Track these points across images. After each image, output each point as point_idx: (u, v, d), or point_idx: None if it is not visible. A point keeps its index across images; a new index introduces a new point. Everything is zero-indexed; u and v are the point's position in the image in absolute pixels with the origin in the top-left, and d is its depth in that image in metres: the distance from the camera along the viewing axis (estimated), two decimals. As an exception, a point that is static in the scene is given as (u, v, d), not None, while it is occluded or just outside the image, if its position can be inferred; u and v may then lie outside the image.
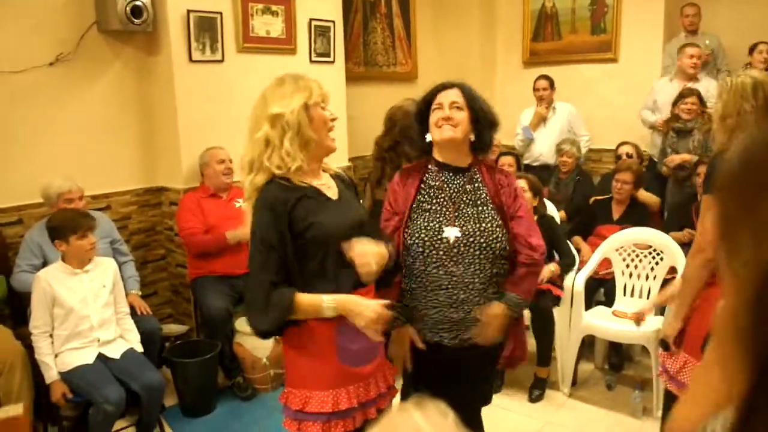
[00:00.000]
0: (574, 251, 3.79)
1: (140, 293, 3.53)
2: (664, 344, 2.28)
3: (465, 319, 2.06)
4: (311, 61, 4.52)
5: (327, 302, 1.77)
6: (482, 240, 2.04)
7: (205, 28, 3.90)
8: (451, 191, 2.11)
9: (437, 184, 2.12)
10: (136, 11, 3.61)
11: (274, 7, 4.25)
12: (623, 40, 5.55)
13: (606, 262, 3.80)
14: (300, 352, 1.87)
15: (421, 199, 2.12)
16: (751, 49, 4.77)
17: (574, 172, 4.80)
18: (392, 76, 5.76)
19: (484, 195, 2.11)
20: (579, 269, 3.69)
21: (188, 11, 3.79)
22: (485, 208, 2.09)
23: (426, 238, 2.05)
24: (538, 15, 6.04)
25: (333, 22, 4.65)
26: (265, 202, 1.79)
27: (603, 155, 5.54)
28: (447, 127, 2.05)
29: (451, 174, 2.13)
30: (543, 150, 5.23)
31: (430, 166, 2.16)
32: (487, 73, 6.25)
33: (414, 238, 2.06)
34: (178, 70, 3.82)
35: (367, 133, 5.06)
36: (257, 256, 1.79)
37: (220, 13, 3.95)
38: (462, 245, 2.03)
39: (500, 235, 2.06)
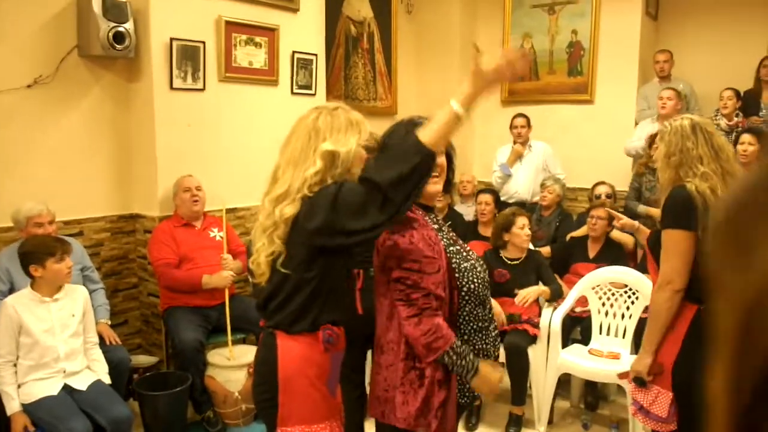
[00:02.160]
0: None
1: (110, 322, 3.44)
2: (638, 381, 2.28)
3: (497, 357, 2.07)
4: (293, 93, 4.54)
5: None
6: (486, 270, 2.06)
7: (188, 56, 3.89)
8: (449, 230, 2.08)
9: (437, 226, 1.98)
10: (119, 37, 3.59)
11: (257, 39, 4.28)
12: (599, 82, 5.69)
13: (582, 300, 3.82)
14: (296, 381, 1.81)
15: (443, 243, 1.95)
16: (720, 95, 4.92)
17: (557, 211, 4.85)
18: (372, 111, 5.79)
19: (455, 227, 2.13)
20: (555, 307, 3.69)
21: (171, 39, 3.79)
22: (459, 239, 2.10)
23: (476, 279, 1.95)
24: (516, 56, 6.16)
25: (315, 55, 4.68)
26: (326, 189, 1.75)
27: (578, 194, 5.62)
28: (436, 180, 1.91)
29: (432, 214, 2.01)
30: (519, 187, 5.29)
31: (418, 211, 1.94)
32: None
33: (465, 281, 1.93)
34: (159, 97, 3.80)
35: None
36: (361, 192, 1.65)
37: (204, 42, 3.95)
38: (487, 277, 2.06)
39: None
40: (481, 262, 2.06)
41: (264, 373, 1.85)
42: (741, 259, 0.34)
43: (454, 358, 1.80)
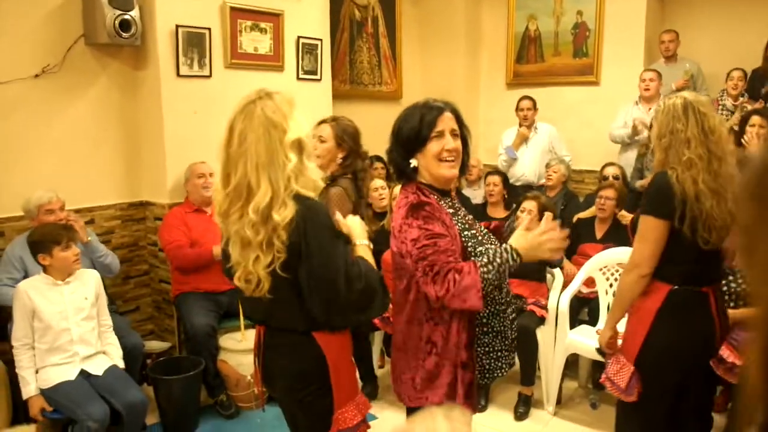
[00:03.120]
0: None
1: (91, 239, 3.41)
2: (600, 352, 2.51)
3: (515, 339, 2.06)
4: (298, 78, 4.54)
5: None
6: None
7: (194, 43, 3.90)
8: (465, 213, 2.06)
9: (453, 210, 1.98)
10: (125, 25, 3.60)
11: (262, 24, 4.28)
12: (605, 63, 5.66)
13: (589, 281, 3.84)
14: (342, 366, 1.90)
15: (458, 226, 1.95)
16: (728, 75, 4.90)
17: (562, 191, 4.86)
18: (377, 95, 5.80)
19: (466, 210, 2.11)
20: (563, 288, 3.71)
21: (177, 26, 3.79)
22: (477, 222, 2.09)
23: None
24: (521, 38, 6.14)
25: (320, 40, 4.68)
26: (319, 206, 1.80)
27: (585, 176, 5.61)
28: (452, 164, 1.93)
29: (448, 198, 2.01)
30: (525, 170, 5.29)
31: (433, 196, 1.95)
32: (471, 93, 6.33)
33: None
34: (166, 84, 3.81)
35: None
36: (341, 248, 1.79)
37: (209, 29, 3.96)
38: None
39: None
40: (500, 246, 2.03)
41: (310, 371, 1.86)
42: None
43: (491, 273, 1.78)
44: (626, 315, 2.37)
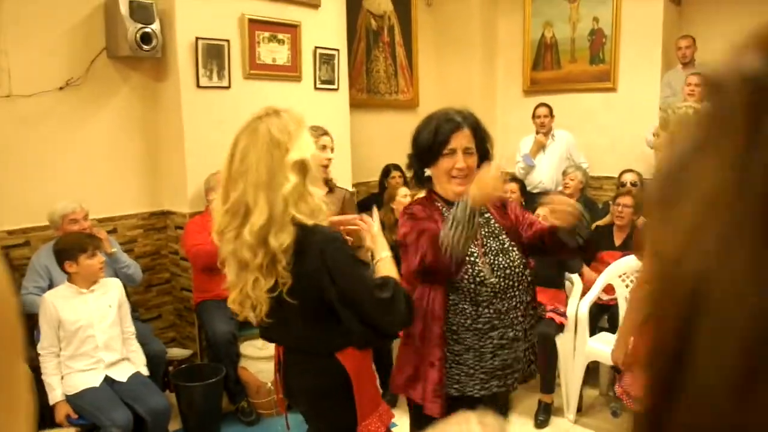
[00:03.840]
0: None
1: (115, 250, 3.48)
2: (615, 368, 2.46)
3: (516, 360, 2.01)
4: (316, 88, 4.59)
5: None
6: (517, 271, 1.98)
7: (213, 55, 3.96)
8: None
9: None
10: (146, 38, 3.67)
11: (280, 35, 4.33)
12: (621, 70, 5.65)
13: (608, 288, 3.82)
14: (364, 380, 1.89)
15: None
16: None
17: (581, 199, 4.84)
18: (394, 104, 5.84)
19: (495, 224, 2.05)
20: (583, 295, 3.70)
21: (197, 38, 3.86)
22: (503, 236, 2.04)
23: (472, 281, 1.95)
24: (538, 44, 6.15)
25: (337, 50, 4.72)
26: (333, 236, 1.75)
27: (603, 183, 5.60)
28: (460, 181, 1.95)
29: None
30: (543, 177, 5.28)
31: (438, 204, 2.04)
32: (488, 101, 6.34)
33: (462, 282, 1.95)
34: (186, 95, 3.87)
35: (369, 159, 5.12)
36: (365, 275, 1.78)
37: (228, 41, 4.02)
38: (502, 281, 1.96)
39: (523, 261, 2.02)
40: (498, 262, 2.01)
41: (333, 387, 1.85)
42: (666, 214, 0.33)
43: (447, 237, 1.79)
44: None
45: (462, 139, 1.94)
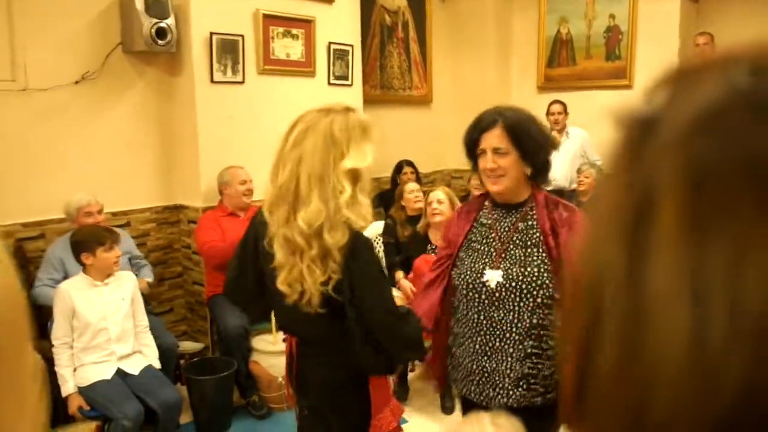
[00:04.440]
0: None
1: (150, 280, 3.58)
2: None
3: (496, 371, 1.90)
4: (329, 84, 4.59)
5: None
6: (524, 286, 1.86)
7: (227, 50, 3.97)
8: (501, 230, 1.96)
9: (489, 222, 1.99)
10: (161, 33, 3.68)
11: (294, 31, 4.33)
12: (638, 66, 5.60)
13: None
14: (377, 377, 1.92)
15: (472, 237, 2.00)
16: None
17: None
18: (408, 100, 5.82)
19: (537, 235, 1.90)
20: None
21: (211, 33, 3.87)
22: (535, 249, 1.89)
23: (470, 280, 1.93)
24: (553, 41, 6.11)
25: (351, 45, 4.72)
26: (369, 243, 1.81)
27: (617, 181, 5.55)
28: (494, 180, 1.92)
29: (503, 211, 1.97)
30: (557, 174, 5.24)
31: (486, 202, 2.04)
32: (502, 97, 6.29)
33: (459, 279, 1.97)
34: (200, 90, 3.88)
35: (382, 155, 5.10)
36: (388, 292, 1.83)
37: (242, 36, 4.02)
38: (503, 290, 1.88)
39: (546, 282, 1.85)
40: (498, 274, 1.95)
41: (348, 379, 1.88)
42: None
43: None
44: None
45: (491, 139, 1.88)
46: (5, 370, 0.40)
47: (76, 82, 3.65)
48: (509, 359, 1.89)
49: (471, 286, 1.93)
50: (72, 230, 3.22)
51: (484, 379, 1.93)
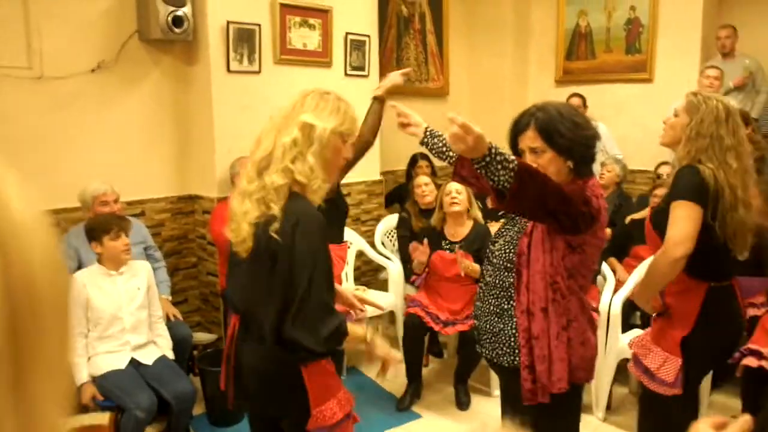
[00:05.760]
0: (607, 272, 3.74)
1: (170, 298, 3.53)
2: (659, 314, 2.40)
3: (484, 333, 2.12)
4: (346, 75, 4.54)
5: (370, 336, 1.86)
6: (501, 255, 2.06)
7: (244, 39, 3.93)
8: None
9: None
10: (177, 21, 3.65)
11: (311, 21, 4.28)
12: (658, 60, 5.50)
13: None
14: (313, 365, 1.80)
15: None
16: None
17: (616, 192, 4.73)
18: (424, 92, 5.76)
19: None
20: (615, 290, 3.62)
21: (228, 22, 3.83)
22: (517, 226, 2.08)
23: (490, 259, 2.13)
24: (572, 34, 6.02)
25: (368, 36, 4.66)
26: (321, 223, 1.74)
27: (637, 176, 5.46)
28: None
29: None
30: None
31: None
32: (519, 90, 6.23)
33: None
34: (216, 79, 3.85)
35: (398, 147, 5.05)
36: (320, 279, 1.70)
37: (259, 25, 3.98)
38: (494, 258, 2.09)
39: (512, 250, 2.03)
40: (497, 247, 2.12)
41: (282, 370, 1.78)
42: None
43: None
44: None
45: (526, 141, 1.97)
46: (48, 343, 0.44)
47: (92, 71, 3.63)
48: (495, 320, 2.06)
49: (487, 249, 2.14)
50: (86, 220, 3.20)
51: (481, 338, 2.13)
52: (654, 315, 2.45)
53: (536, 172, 1.77)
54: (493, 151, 1.67)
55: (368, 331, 1.88)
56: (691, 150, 2.20)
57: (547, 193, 1.78)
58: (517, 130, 2.01)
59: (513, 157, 1.72)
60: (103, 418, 2.20)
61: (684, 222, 2.12)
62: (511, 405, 2.17)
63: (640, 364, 2.41)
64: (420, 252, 3.75)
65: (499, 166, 1.67)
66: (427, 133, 2.31)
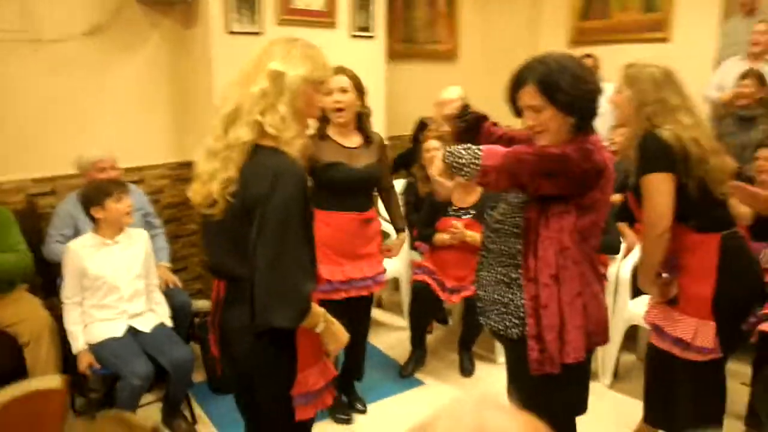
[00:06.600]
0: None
1: (170, 266, 3.48)
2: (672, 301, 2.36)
3: (484, 301, 2.05)
4: (351, 36, 4.40)
5: (326, 317, 1.74)
6: (493, 222, 2.01)
7: (244, -2, 3.80)
8: None
9: None
10: (175, -19, 3.54)
11: (314, -21, 4.14)
12: (677, 19, 5.29)
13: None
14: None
15: None
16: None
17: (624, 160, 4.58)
18: (433, 54, 5.61)
19: None
20: (625, 256, 3.52)
21: (227, -19, 3.70)
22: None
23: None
24: (586, -8, 5.80)
25: (375, -6, 4.50)
26: (300, 178, 1.63)
27: (651, 140, 5.31)
28: (537, 136, 1.89)
29: None
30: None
31: None
32: (531, 52, 5.97)
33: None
34: (216, 41, 3.73)
35: (405, 111, 4.94)
36: (292, 235, 1.59)
37: (260, -16, 3.85)
38: (492, 224, 2.03)
39: (499, 216, 2.02)
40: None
41: (276, 334, 1.68)
42: None
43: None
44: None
45: (524, 97, 1.88)
46: None
47: (88, 33, 3.54)
48: (492, 287, 2.01)
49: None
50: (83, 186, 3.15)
51: (481, 305, 2.06)
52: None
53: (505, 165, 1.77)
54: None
55: (320, 323, 1.74)
56: (642, 119, 2.23)
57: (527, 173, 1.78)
58: (514, 87, 1.91)
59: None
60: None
61: (657, 197, 2.15)
62: (518, 377, 2.06)
63: (667, 336, 2.36)
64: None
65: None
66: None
